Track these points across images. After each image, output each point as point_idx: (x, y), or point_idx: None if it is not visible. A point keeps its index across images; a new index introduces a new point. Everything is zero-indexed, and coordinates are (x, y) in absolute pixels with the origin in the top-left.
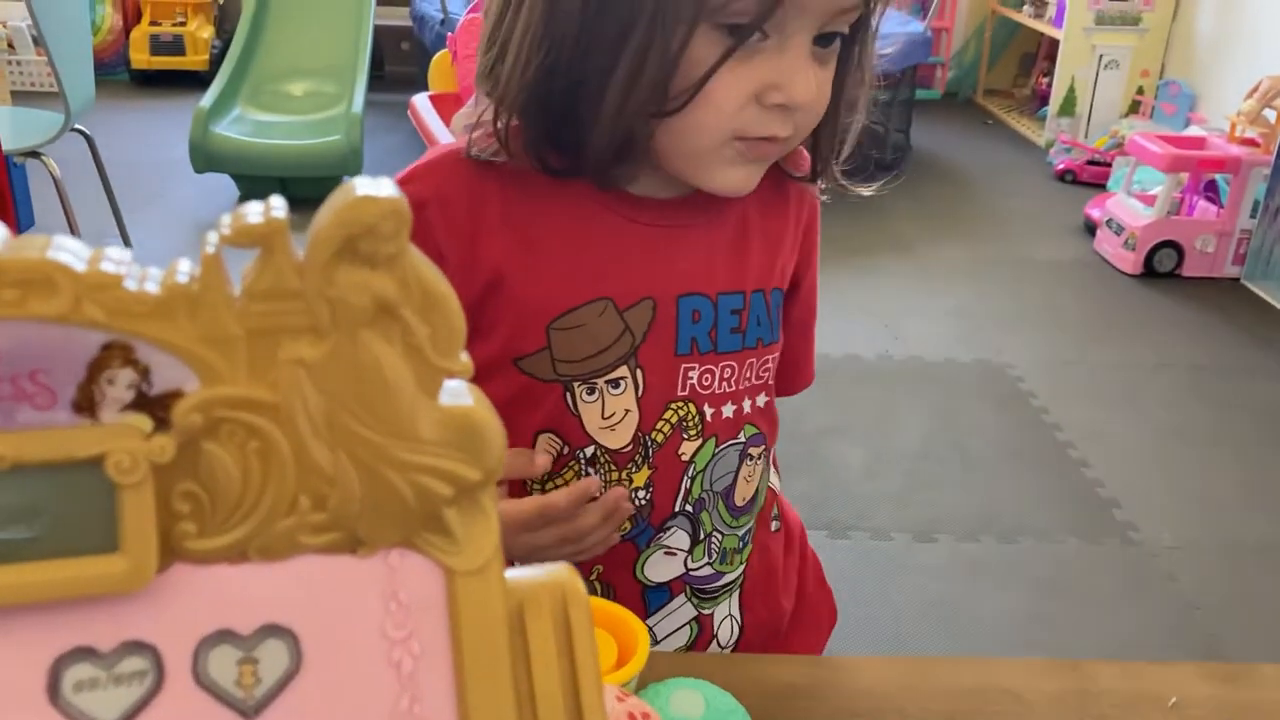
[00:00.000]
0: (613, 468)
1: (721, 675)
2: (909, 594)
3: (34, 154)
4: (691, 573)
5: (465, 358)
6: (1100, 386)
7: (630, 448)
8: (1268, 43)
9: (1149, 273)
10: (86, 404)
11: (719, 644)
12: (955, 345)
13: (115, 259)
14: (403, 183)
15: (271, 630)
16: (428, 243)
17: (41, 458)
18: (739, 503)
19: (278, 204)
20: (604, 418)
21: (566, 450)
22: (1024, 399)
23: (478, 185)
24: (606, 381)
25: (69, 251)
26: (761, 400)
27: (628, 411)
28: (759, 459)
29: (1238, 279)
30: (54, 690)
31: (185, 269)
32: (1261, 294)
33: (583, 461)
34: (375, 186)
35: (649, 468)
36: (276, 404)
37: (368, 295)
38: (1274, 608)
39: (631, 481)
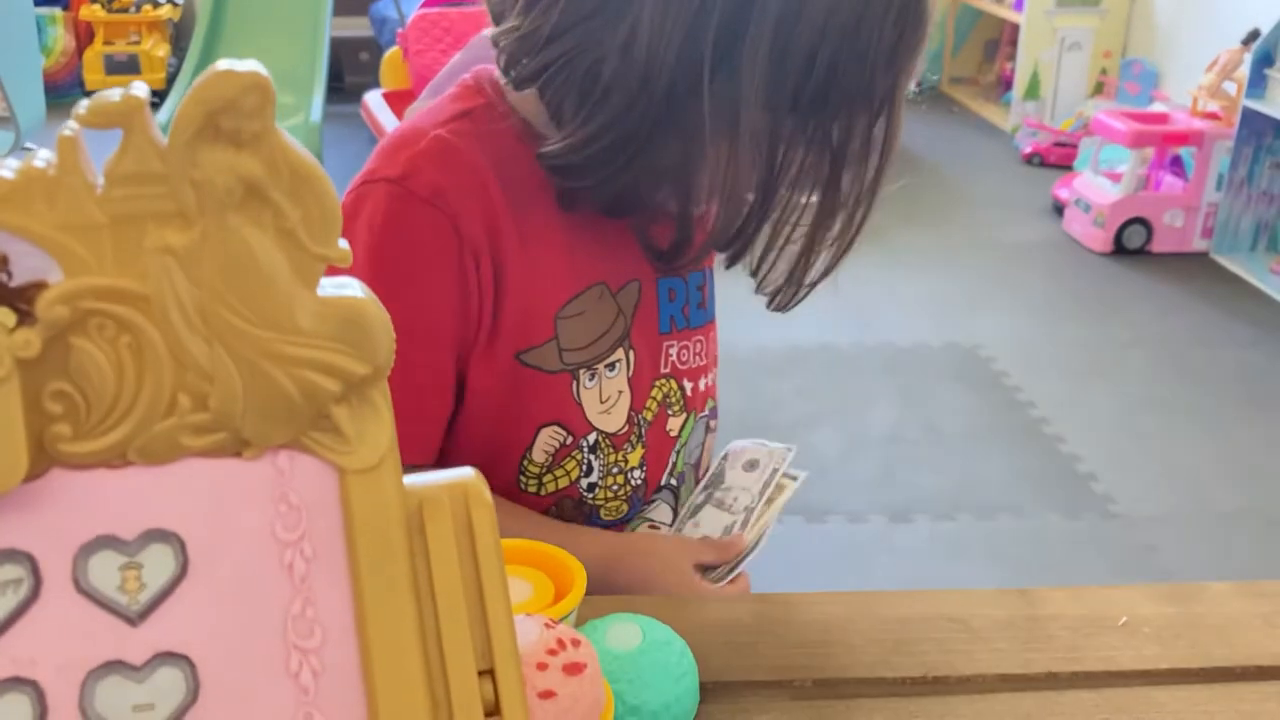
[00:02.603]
0: (612, 450)
1: (664, 614)
2: (888, 575)
3: None
4: None
5: (344, 245)
6: (1073, 363)
7: (626, 429)
8: (1225, 17)
9: (1119, 250)
10: None
11: None
12: (927, 329)
13: None
14: (406, 177)
15: (156, 535)
16: (452, 235)
17: None
18: (701, 475)
19: (138, 86)
20: (601, 401)
21: (570, 441)
22: (997, 379)
23: (481, 175)
24: (605, 365)
25: None
26: (715, 373)
27: (621, 393)
28: (714, 431)
29: (1206, 253)
30: None
31: (44, 155)
32: (1230, 266)
33: (585, 450)
34: (236, 63)
35: (642, 446)
36: (146, 295)
37: (234, 176)
38: (1253, 572)
39: (627, 462)
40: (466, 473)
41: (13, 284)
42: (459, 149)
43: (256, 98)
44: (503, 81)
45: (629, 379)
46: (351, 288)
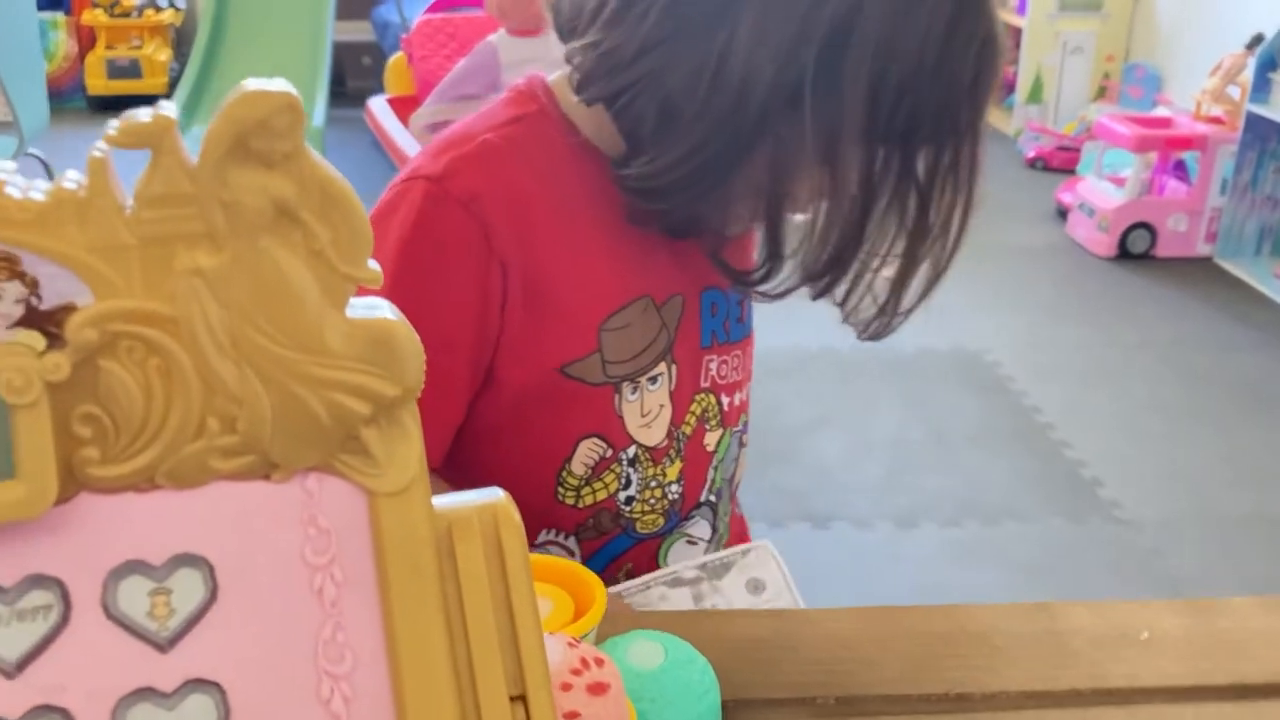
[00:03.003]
0: (651, 464)
1: (684, 630)
2: (894, 581)
3: None
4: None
5: (374, 266)
6: (1078, 368)
7: (665, 443)
8: (1229, 21)
9: (1123, 254)
10: None
11: None
12: (931, 334)
13: None
14: (445, 177)
15: (185, 560)
16: (481, 241)
17: None
18: (734, 490)
19: (168, 105)
20: (642, 415)
21: (610, 453)
22: (1002, 383)
23: (523, 183)
24: (647, 379)
25: None
26: (749, 388)
27: (662, 406)
28: (746, 445)
29: (1210, 257)
30: None
31: (74, 177)
32: (1234, 271)
33: (624, 463)
34: (266, 82)
35: (680, 460)
36: (175, 317)
37: (264, 197)
38: (1260, 578)
39: (666, 476)
40: (495, 494)
41: (43, 307)
42: (505, 155)
43: (287, 118)
44: (573, 91)
45: (670, 393)
46: (381, 309)
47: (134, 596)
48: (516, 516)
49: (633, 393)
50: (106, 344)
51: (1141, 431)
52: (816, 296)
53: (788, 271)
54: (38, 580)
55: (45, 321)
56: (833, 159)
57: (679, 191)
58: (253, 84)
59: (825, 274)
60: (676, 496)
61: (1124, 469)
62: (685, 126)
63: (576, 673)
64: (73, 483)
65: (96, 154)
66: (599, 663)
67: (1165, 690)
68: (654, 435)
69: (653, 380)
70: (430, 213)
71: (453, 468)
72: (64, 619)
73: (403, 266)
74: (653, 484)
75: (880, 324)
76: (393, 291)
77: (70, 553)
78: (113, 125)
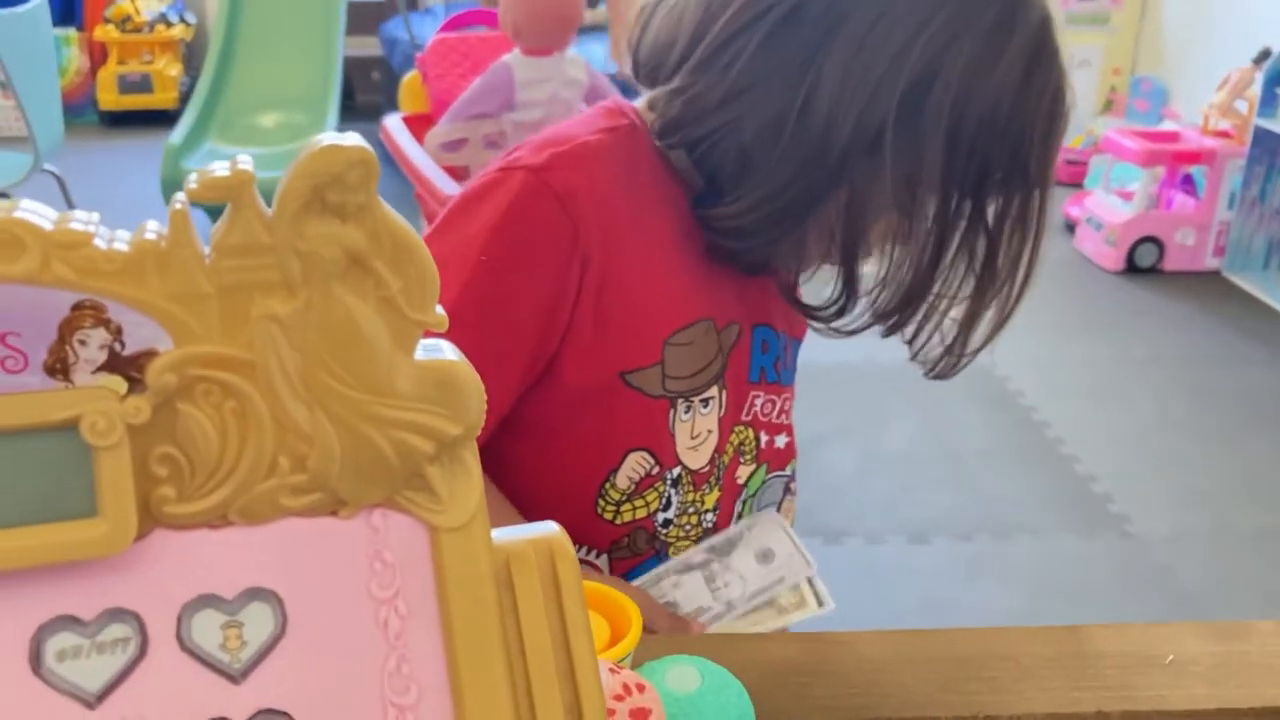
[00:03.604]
0: (691, 488)
1: (717, 654)
2: (906, 596)
3: (1, 195)
4: None
5: (440, 311)
6: (1088, 382)
7: (708, 469)
8: (1235, 35)
9: (1131, 268)
10: (59, 366)
11: None
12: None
13: (83, 219)
14: (545, 169)
15: (255, 594)
16: (569, 237)
17: (15, 423)
18: None
19: (245, 159)
20: (692, 436)
21: (656, 470)
22: (1012, 398)
23: (614, 188)
24: (700, 400)
25: (36, 212)
26: (792, 441)
27: (710, 432)
28: (794, 493)
29: (1219, 271)
30: (36, 660)
31: (154, 228)
32: (1243, 285)
33: (668, 483)
34: (341, 137)
35: (719, 490)
36: (251, 362)
37: (338, 247)
38: (1271, 593)
39: (704, 503)
40: (550, 527)
41: (125, 353)
42: (600, 158)
43: (361, 171)
44: (655, 137)
45: (719, 419)
46: (443, 350)
47: (207, 629)
48: (571, 550)
49: (686, 412)
50: (185, 387)
51: (1151, 446)
52: (887, 334)
53: (859, 309)
54: (116, 614)
55: (127, 366)
56: (907, 204)
57: (757, 233)
58: (328, 138)
59: (895, 313)
60: (710, 525)
61: (1134, 484)
62: (766, 171)
63: (619, 698)
64: (149, 519)
65: (177, 206)
66: (640, 688)
67: (1192, 714)
68: (699, 459)
69: (705, 403)
70: (525, 202)
71: (499, 468)
72: (141, 651)
73: (488, 248)
74: (690, 509)
75: (947, 363)
76: (474, 272)
77: (146, 587)
78: (193, 179)
